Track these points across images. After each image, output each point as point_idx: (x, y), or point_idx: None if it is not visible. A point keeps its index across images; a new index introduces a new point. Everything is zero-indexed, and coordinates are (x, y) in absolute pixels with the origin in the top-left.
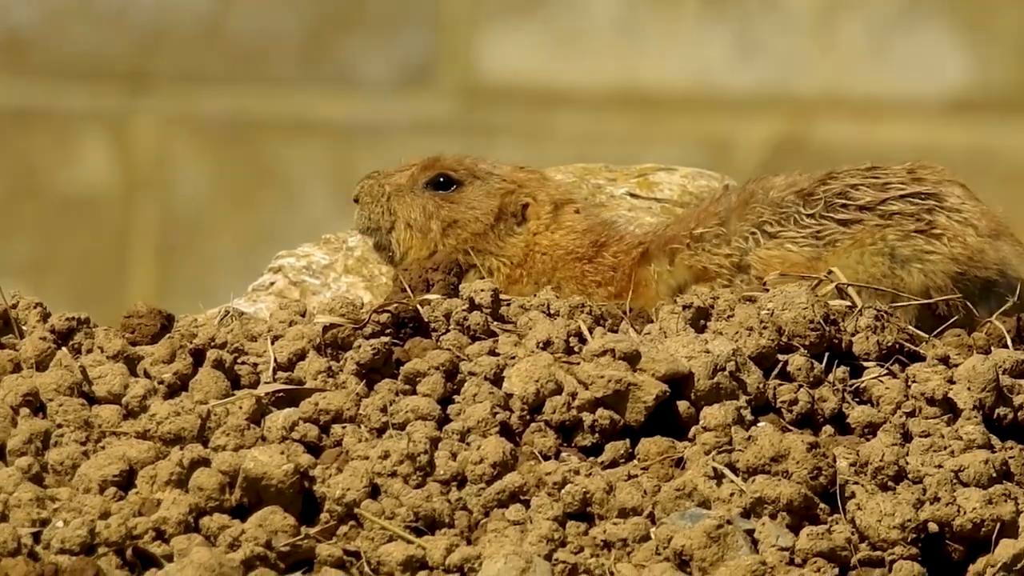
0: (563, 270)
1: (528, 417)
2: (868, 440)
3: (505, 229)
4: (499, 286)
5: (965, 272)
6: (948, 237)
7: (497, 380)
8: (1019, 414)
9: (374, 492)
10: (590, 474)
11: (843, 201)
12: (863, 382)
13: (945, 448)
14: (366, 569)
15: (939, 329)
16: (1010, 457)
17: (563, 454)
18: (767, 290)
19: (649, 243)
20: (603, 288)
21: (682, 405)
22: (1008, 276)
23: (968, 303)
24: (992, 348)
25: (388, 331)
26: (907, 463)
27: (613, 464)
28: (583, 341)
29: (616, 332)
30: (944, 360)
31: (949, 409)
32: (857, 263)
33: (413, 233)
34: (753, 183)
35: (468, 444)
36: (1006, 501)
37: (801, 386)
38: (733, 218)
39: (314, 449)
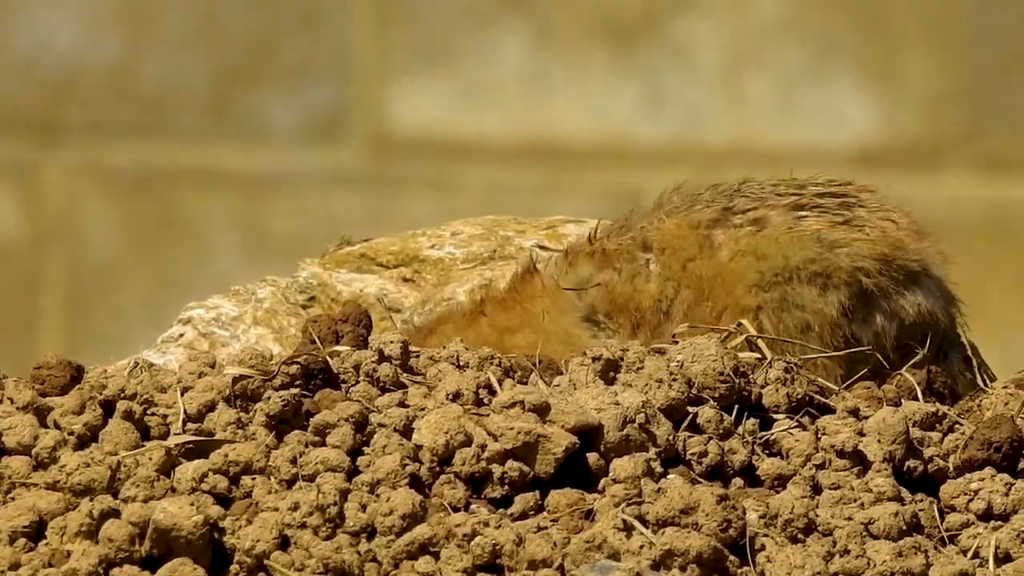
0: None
1: (438, 469)
2: (778, 492)
3: None
4: None
5: (890, 258)
6: (870, 227)
7: (407, 432)
8: (929, 466)
9: (284, 543)
10: (500, 526)
11: (758, 188)
12: (773, 434)
13: (855, 500)
14: None
15: (849, 381)
16: (920, 510)
17: (473, 506)
18: (676, 342)
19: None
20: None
21: (592, 457)
22: (931, 273)
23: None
24: (902, 400)
25: (297, 383)
26: (817, 515)
27: (523, 516)
28: (493, 393)
29: (526, 384)
30: (854, 412)
31: (859, 461)
32: (787, 244)
33: None
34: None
35: (378, 496)
36: (916, 554)
37: (711, 438)
38: (633, 217)
39: (224, 500)
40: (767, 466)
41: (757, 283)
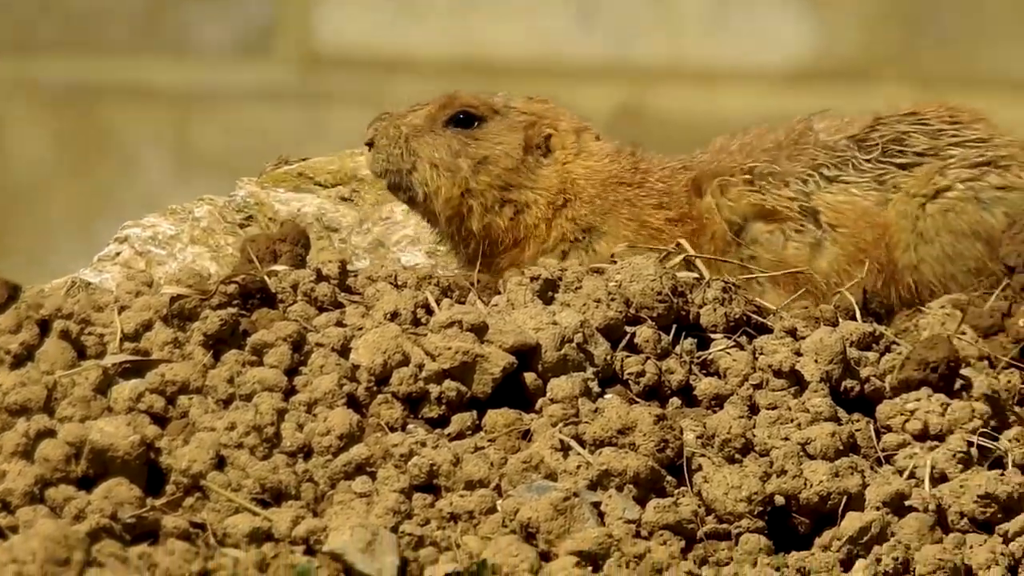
0: (612, 194)
1: (375, 388)
2: (715, 412)
3: (534, 162)
4: (538, 224)
5: None
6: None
7: (344, 351)
8: (866, 386)
9: (220, 464)
10: (437, 446)
11: (899, 147)
12: (710, 354)
13: (792, 420)
14: (212, 540)
15: (787, 301)
16: (857, 430)
17: (410, 426)
18: (614, 262)
19: (697, 172)
20: (661, 211)
21: (529, 377)
22: None
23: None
24: (840, 320)
25: (235, 302)
26: (754, 435)
27: (460, 436)
28: (430, 312)
29: (464, 304)
30: (791, 332)
31: (796, 381)
32: (946, 211)
33: (440, 172)
34: (797, 123)
35: (315, 415)
36: (852, 474)
37: (648, 358)
38: (783, 158)
39: (160, 420)
40: (704, 386)
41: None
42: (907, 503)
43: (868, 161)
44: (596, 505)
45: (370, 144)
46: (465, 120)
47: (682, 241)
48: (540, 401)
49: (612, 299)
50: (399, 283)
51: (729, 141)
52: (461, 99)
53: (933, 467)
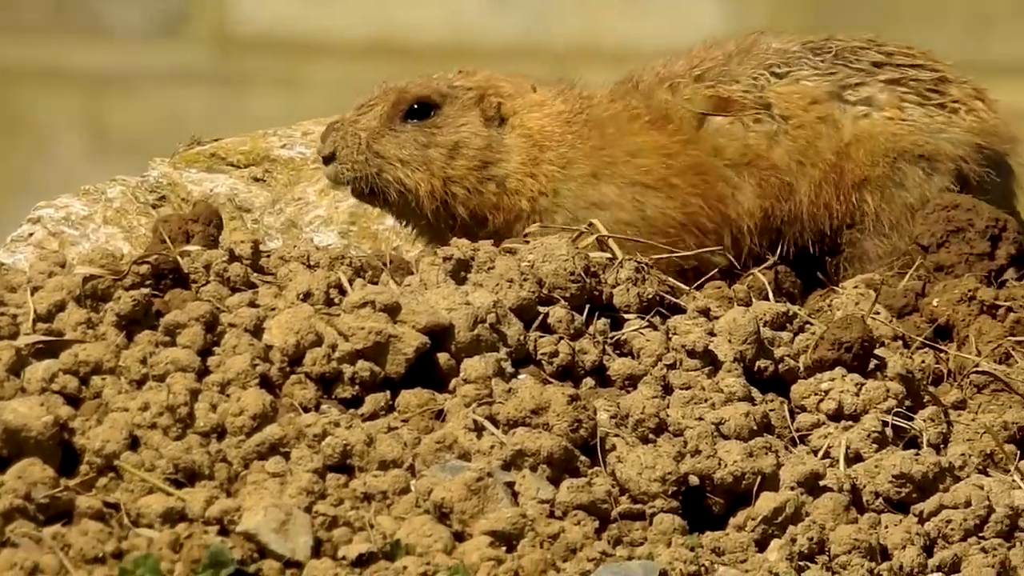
0: (574, 130)
1: (288, 369)
2: (629, 392)
3: (496, 133)
4: (523, 179)
5: (985, 145)
6: (965, 110)
7: (257, 332)
8: (779, 366)
9: (134, 444)
10: (350, 426)
11: (853, 57)
12: (624, 334)
13: (706, 401)
14: (125, 521)
15: (700, 281)
16: (771, 410)
17: (323, 406)
18: (527, 241)
19: (644, 85)
20: (631, 123)
21: (442, 357)
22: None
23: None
24: (753, 300)
25: (148, 282)
26: (668, 415)
27: (373, 416)
28: (343, 293)
29: (376, 284)
30: (705, 312)
31: (710, 361)
32: (898, 114)
33: (414, 168)
34: (746, 36)
35: (228, 396)
36: (767, 454)
37: (562, 338)
38: (733, 63)
39: (74, 401)
40: (618, 366)
41: (869, 163)
42: (821, 483)
43: (822, 61)
44: (510, 485)
45: (329, 158)
46: (420, 111)
47: (595, 221)
48: (453, 381)
49: (525, 279)
50: (312, 263)
51: (671, 59)
52: (412, 91)
53: (848, 447)
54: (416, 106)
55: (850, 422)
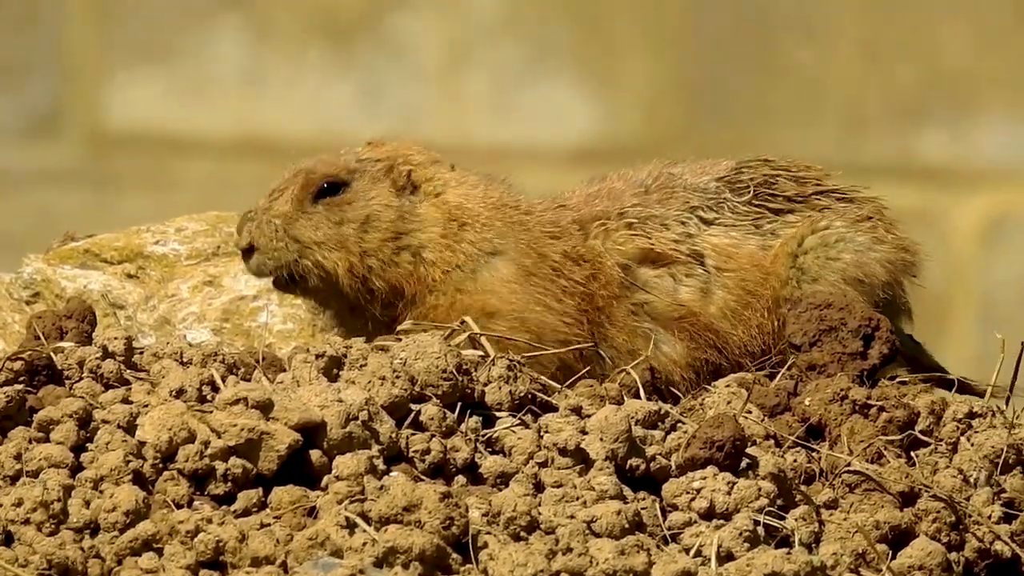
0: (504, 215)
1: (161, 465)
2: (501, 490)
3: (408, 203)
4: (441, 252)
5: (908, 269)
6: (893, 236)
7: (130, 428)
8: (651, 465)
9: (8, 539)
10: (223, 523)
11: (770, 191)
12: (496, 432)
13: (578, 499)
14: None
15: (572, 379)
16: (643, 508)
17: (196, 502)
18: (400, 339)
19: (577, 214)
20: (557, 242)
21: (315, 454)
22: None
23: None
24: (624, 398)
25: (22, 379)
26: (540, 513)
27: (246, 513)
28: (216, 389)
29: (249, 381)
30: (577, 411)
31: (582, 460)
32: (826, 254)
33: (330, 248)
34: (655, 167)
35: (101, 492)
36: (639, 552)
37: (434, 436)
38: (653, 202)
39: None
40: (490, 464)
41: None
42: None
43: (742, 204)
44: None
45: (247, 250)
46: (330, 189)
47: (467, 319)
48: (326, 478)
49: (397, 377)
50: (185, 360)
51: (590, 186)
52: (319, 170)
53: (719, 545)
54: (326, 185)
55: (722, 521)
